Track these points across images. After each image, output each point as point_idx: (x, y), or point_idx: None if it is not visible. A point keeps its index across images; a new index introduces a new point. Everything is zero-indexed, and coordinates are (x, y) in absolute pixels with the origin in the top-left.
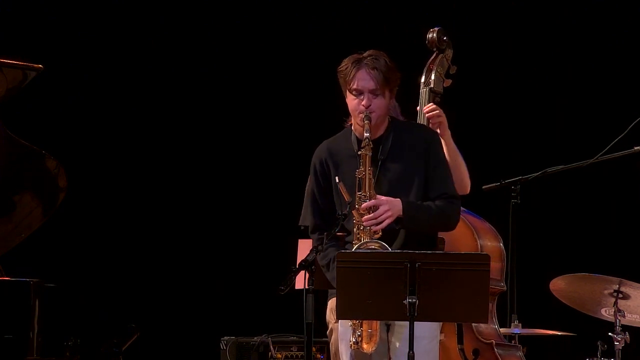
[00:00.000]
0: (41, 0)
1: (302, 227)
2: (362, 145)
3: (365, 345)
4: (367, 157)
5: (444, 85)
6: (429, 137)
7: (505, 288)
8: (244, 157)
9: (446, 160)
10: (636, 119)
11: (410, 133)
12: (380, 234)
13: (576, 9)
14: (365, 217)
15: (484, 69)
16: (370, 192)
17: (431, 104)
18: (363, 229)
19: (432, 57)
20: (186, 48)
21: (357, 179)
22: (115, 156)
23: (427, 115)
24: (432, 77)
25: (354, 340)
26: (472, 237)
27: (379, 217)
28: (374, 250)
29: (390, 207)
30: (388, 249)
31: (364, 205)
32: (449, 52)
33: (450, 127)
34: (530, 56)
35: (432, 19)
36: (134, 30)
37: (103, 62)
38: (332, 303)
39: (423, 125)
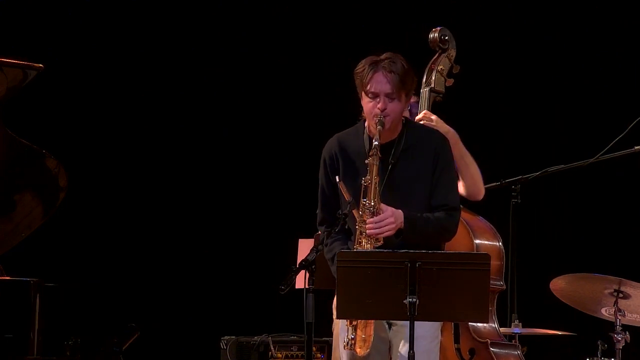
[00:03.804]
0: (41, 0)
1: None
2: (370, 153)
3: (358, 349)
4: (375, 166)
5: (446, 84)
6: (440, 144)
7: (504, 287)
8: (244, 157)
9: (454, 169)
10: (636, 119)
11: (423, 138)
12: (382, 242)
13: (576, 8)
14: (369, 225)
15: (484, 69)
16: (375, 201)
17: (424, 111)
18: (365, 235)
19: (435, 57)
20: (186, 48)
21: (363, 186)
22: (115, 156)
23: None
24: (433, 77)
25: (346, 341)
26: (468, 236)
27: (382, 226)
28: (374, 250)
29: (394, 218)
30: None
31: (370, 220)
32: (452, 52)
33: (450, 127)
34: (530, 56)
35: (434, 19)
36: (134, 30)
37: (103, 62)
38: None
39: (436, 130)
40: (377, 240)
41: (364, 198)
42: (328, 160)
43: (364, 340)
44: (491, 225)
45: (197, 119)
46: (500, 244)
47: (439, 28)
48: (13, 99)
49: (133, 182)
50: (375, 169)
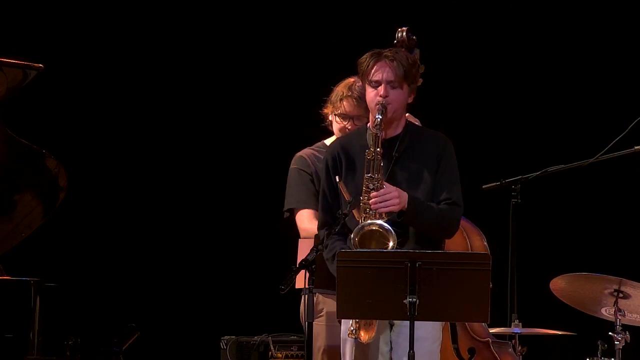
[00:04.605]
0: (41, 0)
1: (285, 213)
2: (373, 124)
3: (362, 333)
4: (378, 137)
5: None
6: (443, 144)
7: (490, 285)
8: (244, 156)
9: (456, 168)
10: (636, 119)
11: (426, 137)
12: (385, 217)
13: (576, 8)
14: (373, 200)
15: (485, 69)
16: (378, 175)
17: (406, 115)
18: (368, 211)
19: None
20: (186, 48)
21: (367, 159)
22: (115, 156)
23: None
24: None
25: (352, 329)
26: (462, 236)
27: (387, 199)
28: (373, 250)
29: (398, 193)
30: (388, 228)
31: (374, 194)
32: (417, 52)
33: (450, 127)
34: (530, 55)
35: (434, 19)
36: (134, 30)
37: (103, 62)
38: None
39: (438, 132)
40: (380, 216)
41: (367, 173)
42: (330, 162)
43: (369, 323)
44: (475, 225)
45: (197, 119)
46: (486, 243)
47: (405, 28)
48: (13, 99)
49: (133, 182)
50: (378, 141)
